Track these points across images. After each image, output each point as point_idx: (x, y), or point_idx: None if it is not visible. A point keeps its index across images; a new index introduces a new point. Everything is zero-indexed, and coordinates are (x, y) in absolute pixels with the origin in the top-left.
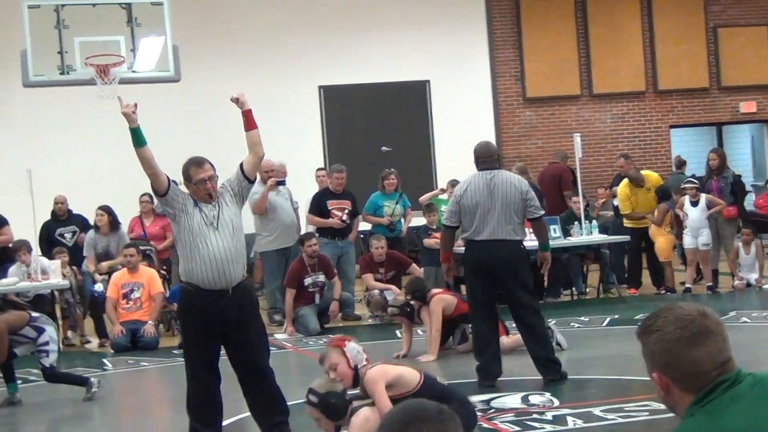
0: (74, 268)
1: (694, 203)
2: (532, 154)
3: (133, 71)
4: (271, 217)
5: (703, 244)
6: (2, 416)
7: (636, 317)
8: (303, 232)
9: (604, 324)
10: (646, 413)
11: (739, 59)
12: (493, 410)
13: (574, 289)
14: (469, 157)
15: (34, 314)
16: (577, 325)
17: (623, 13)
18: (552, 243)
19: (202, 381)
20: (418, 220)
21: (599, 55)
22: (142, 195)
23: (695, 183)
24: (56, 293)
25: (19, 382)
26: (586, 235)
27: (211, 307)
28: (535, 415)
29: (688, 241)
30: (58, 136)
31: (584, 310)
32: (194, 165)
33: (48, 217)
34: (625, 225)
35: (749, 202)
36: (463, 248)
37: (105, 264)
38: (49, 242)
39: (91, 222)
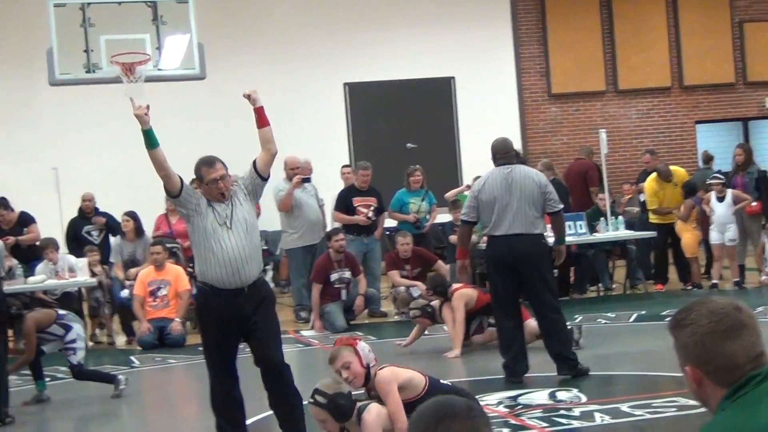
0: (105, 267)
1: (720, 199)
2: (557, 151)
3: (159, 69)
4: (297, 214)
5: (730, 240)
6: (31, 413)
7: (663, 313)
8: (329, 229)
9: (631, 320)
10: (674, 409)
11: (765, 54)
12: (520, 406)
13: (600, 285)
14: None
15: (61, 312)
16: (603, 321)
17: (648, 8)
18: (578, 239)
19: (222, 380)
20: (444, 217)
21: (624, 50)
22: None
23: (721, 179)
24: (84, 291)
25: (47, 379)
26: (612, 231)
27: (228, 307)
28: (562, 411)
29: (714, 236)
30: (84, 134)
31: (611, 306)
32: (206, 165)
33: (74, 214)
34: (651, 221)
35: None
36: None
37: (133, 270)
38: (75, 240)
39: (119, 220)
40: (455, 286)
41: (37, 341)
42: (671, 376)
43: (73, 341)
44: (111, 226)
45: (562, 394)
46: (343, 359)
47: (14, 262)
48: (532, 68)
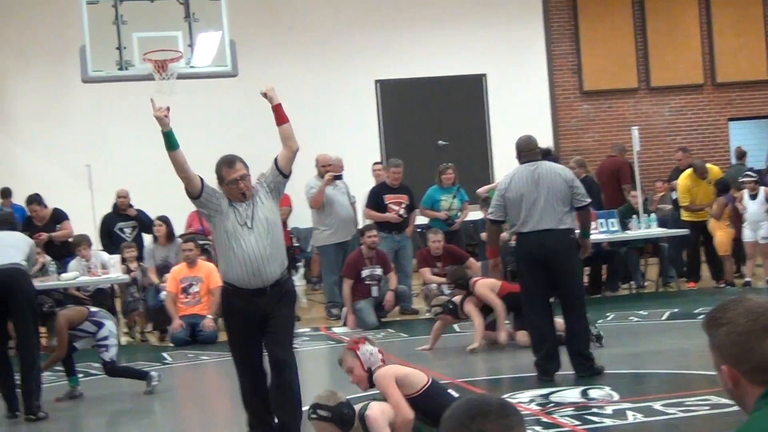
0: (141, 263)
1: (753, 197)
2: (589, 148)
3: (191, 66)
4: (329, 211)
5: (763, 238)
6: (64, 409)
7: (695, 311)
8: (360, 226)
9: (664, 318)
10: (707, 407)
11: None
12: (552, 404)
13: (632, 282)
14: None
15: (93, 309)
16: (636, 319)
17: (681, 5)
18: (610, 237)
19: (249, 378)
20: (476, 214)
21: (657, 47)
22: None
23: (753, 176)
24: (116, 287)
25: (80, 375)
26: (645, 228)
27: (250, 306)
28: (594, 410)
29: (747, 234)
30: (116, 131)
31: (643, 304)
32: (226, 165)
33: (108, 211)
34: (683, 218)
35: None
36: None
37: (167, 276)
38: (109, 236)
39: (152, 217)
40: (475, 278)
41: (69, 338)
42: (704, 374)
43: (105, 338)
44: (143, 223)
45: (594, 392)
46: (346, 364)
47: (47, 258)
48: (564, 65)
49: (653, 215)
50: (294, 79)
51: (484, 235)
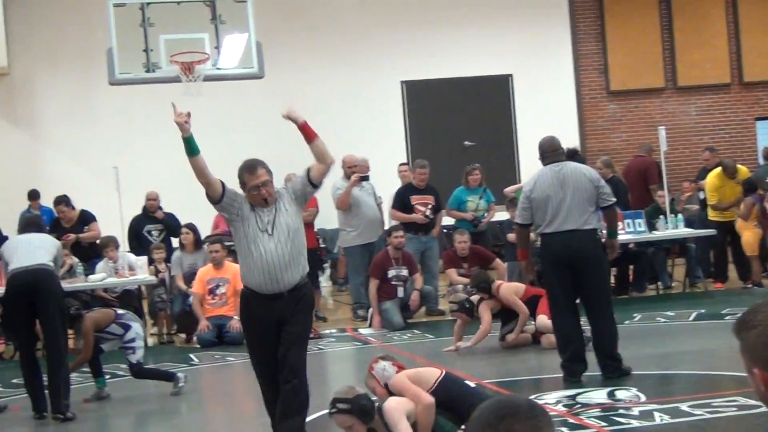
0: (169, 264)
1: None
2: (616, 148)
3: (218, 68)
4: (355, 212)
5: None
6: (91, 410)
7: (723, 312)
8: (386, 227)
9: (691, 318)
10: (735, 408)
11: None
12: (579, 405)
13: (659, 283)
14: None
15: (120, 311)
16: (663, 319)
17: (708, 4)
18: (637, 237)
19: (268, 382)
20: (502, 215)
21: (684, 47)
22: None
23: None
24: (143, 289)
25: (107, 377)
26: (672, 228)
27: (267, 310)
28: (621, 411)
29: None
30: (144, 133)
31: (670, 304)
32: (247, 171)
33: (135, 213)
34: (710, 218)
35: None
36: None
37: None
38: (137, 238)
39: (182, 221)
40: (497, 282)
41: (95, 340)
42: (731, 375)
43: (132, 340)
44: (171, 227)
45: (621, 393)
46: (369, 386)
47: (75, 260)
48: (590, 65)
49: (680, 215)
50: (320, 81)
51: (510, 236)
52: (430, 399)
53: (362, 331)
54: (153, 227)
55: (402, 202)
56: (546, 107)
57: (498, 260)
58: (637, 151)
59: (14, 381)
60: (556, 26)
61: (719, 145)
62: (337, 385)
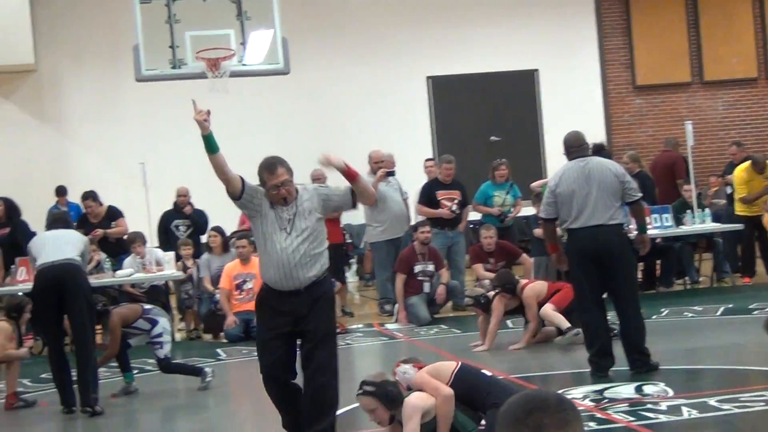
0: (197, 260)
1: None
2: (642, 143)
3: (243, 64)
4: (381, 207)
5: None
6: (119, 405)
7: (750, 306)
8: (413, 222)
9: (718, 313)
10: (763, 403)
11: None
12: (606, 400)
13: (686, 278)
14: None
15: (147, 306)
16: (690, 314)
17: None
18: (664, 232)
19: (272, 376)
20: (528, 210)
21: (710, 41)
22: None
23: None
24: (171, 284)
25: (135, 371)
26: (699, 223)
27: (283, 305)
28: (649, 405)
29: None
30: (170, 129)
31: (698, 299)
32: (267, 170)
33: (162, 208)
34: (737, 213)
35: None
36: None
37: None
38: (165, 233)
39: (210, 218)
40: (523, 282)
41: (123, 335)
42: (759, 370)
43: (160, 335)
44: (197, 223)
45: (648, 388)
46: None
47: (102, 256)
48: (616, 60)
49: (707, 210)
50: (346, 77)
51: (537, 232)
52: (449, 391)
53: (389, 326)
54: (180, 222)
55: (428, 197)
56: (572, 102)
57: (524, 255)
58: (662, 146)
59: (43, 376)
60: (582, 21)
61: (746, 140)
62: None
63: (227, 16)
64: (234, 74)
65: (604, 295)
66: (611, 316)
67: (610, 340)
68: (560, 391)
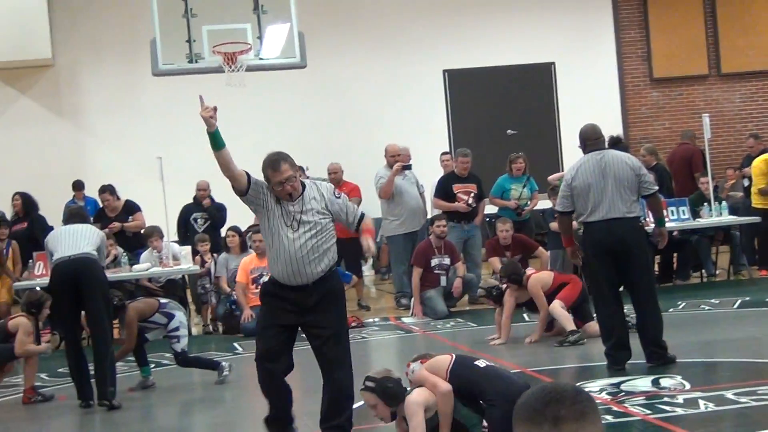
0: (215, 255)
1: None
2: (659, 136)
3: (260, 58)
4: (398, 201)
5: None
6: (136, 399)
7: (767, 299)
8: (429, 216)
9: (735, 306)
10: None
11: None
12: (623, 393)
13: (703, 271)
14: None
15: (163, 301)
16: (707, 307)
17: None
18: (681, 225)
19: (264, 368)
20: (545, 203)
21: (727, 33)
22: None
23: None
24: (187, 279)
25: (152, 365)
26: (716, 216)
27: (289, 295)
28: (665, 399)
29: None
30: (187, 123)
31: (714, 292)
32: (270, 167)
33: (179, 203)
34: (754, 206)
35: None
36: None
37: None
38: (185, 225)
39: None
40: (529, 271)
41: (140, 330)
42: None
43: (176, 329)
44: (214, 216)
45: (665, 381)
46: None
47: (120, 250)
48: (633, 52)
49: (724, 203)
50: (362, 70)
51: (553, 225)
52: (447, 387)
53: (405, 319)
54: (199, 215)
55: (444, 190)
56: (589, 95)
57: (541, 248)
58: (679, 138)
59: (60, 370)
60: (599, 14)
61: (763, 132)
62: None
63: (244, 10)
64: (250, 68)
65: (621, 289)
66: (628, 309)
67: (627, 333)
68: (577, 385)
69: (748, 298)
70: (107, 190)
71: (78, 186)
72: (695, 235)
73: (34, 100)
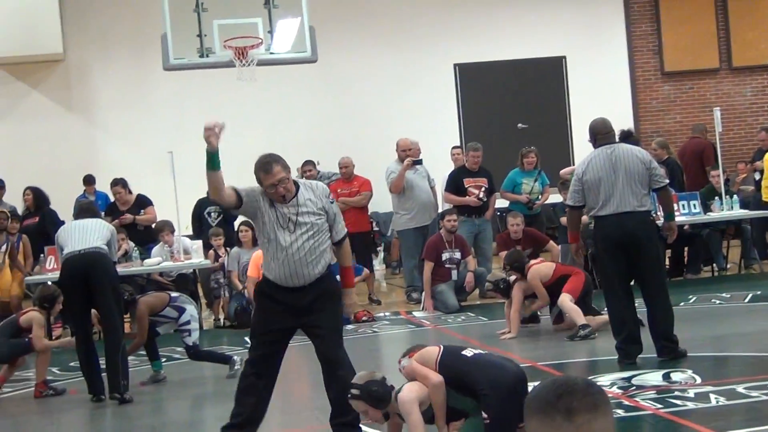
0: (228, 249)
1: None
2: (670, 129)
3: (271, 53)
4: (409, 195)
5: None
6: (147, 393)
7: None
8: (440, 210)
9: (746, 300)
10: None
11: None
12: (634, 387)
13: (714, 265)
14: None
15: (174, 294)
16: (718, 301)
17: None
18: (692, 218)
19: (253, 373)
20: (556, 197)
21: (739, 27)
22: None
23: None
24: (198, 273)
25: (163, 359)
26: (727, 210)
27: (284, 297)
28: (676, 393)
29: None
30: (198, 118)
31: (725, 286)
32: (262, 171)
33: (190, 197)
34: (765, 199)
35: None
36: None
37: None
38: (199, 219)
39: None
40: (531, 262)
41: (150, 324)
42: None
43: (187, 323)
44: (228, 211)
45: (676, 375)
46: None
47: (131, 244)
48: (644, 46)
49: (735, 197)
50: (372, 65)
51: (564, 219)
52: (438, 379)
53: (416, 314)
54: (212, 209)
55: (455, 185)
56: (600, 89)
57: (552, 242)
58: (690, 132)
59: (72, 364)
60: (610, 7)
61: None
62: (390, 368)
63: (255, 4)
64: (261, 63)
65: (632, 282)
66: (639, 303)
67: (638, 327)
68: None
69: (759, 292)
70: (119, 183)
71: (89, 181)
72: (706, 228)
73: (45, 95)
